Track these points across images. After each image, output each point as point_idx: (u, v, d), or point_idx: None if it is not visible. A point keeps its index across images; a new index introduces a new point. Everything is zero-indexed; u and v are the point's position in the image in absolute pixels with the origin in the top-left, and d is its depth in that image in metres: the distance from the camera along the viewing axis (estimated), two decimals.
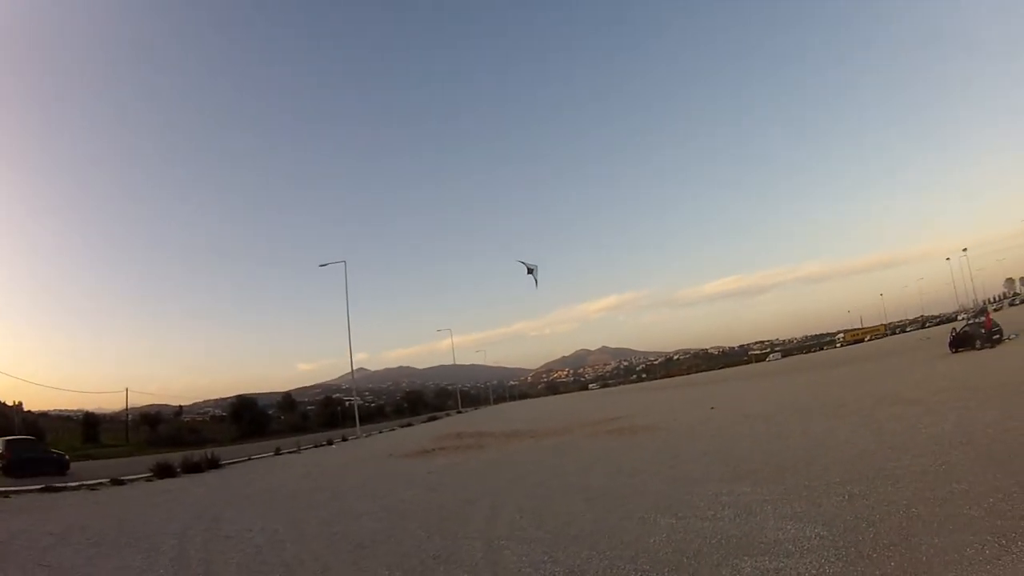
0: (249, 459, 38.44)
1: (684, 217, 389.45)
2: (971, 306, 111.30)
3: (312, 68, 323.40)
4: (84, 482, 27.01)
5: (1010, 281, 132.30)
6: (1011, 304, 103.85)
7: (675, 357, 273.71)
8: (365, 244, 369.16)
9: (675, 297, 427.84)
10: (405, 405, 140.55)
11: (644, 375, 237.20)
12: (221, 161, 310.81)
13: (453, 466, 21.62)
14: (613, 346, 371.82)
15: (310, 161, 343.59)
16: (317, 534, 11.63)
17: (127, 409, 77.40)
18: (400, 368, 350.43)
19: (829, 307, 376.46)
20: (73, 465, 36.39)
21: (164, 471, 29.36)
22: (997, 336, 38.50)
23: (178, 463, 30.70)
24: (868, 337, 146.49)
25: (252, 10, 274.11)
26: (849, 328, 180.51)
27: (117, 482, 27.30)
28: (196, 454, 33.43)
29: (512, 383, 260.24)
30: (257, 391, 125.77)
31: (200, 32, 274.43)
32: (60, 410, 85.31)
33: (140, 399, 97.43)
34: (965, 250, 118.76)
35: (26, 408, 76.41)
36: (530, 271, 41.78)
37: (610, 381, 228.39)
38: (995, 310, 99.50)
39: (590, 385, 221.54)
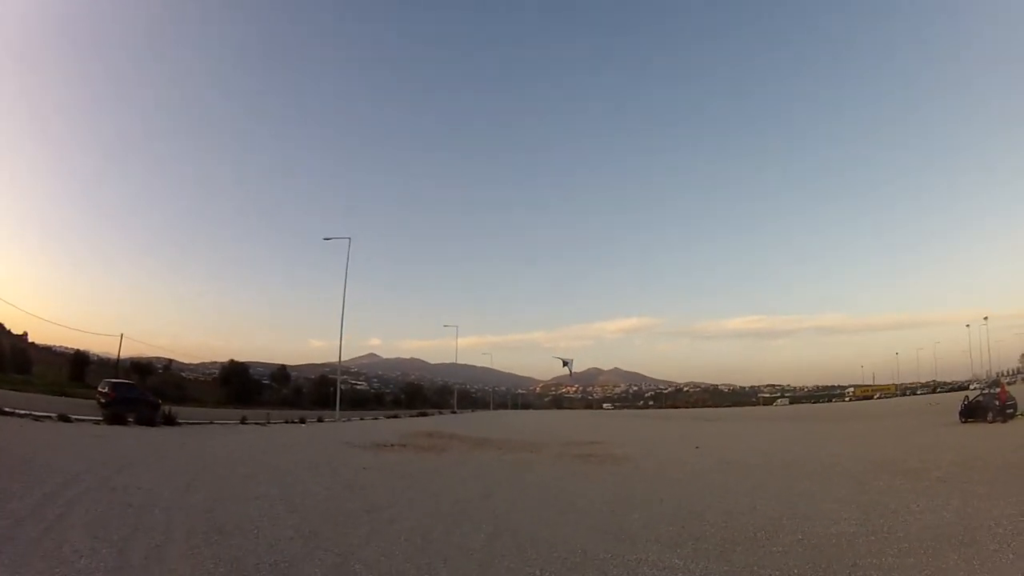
0: (211, 423, 37.71)
1: (712, 251, 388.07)
2: (984, 377, 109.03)
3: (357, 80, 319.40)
4: (32, 412, 28.12)
5: None
6: None
7: (685, 389, 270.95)
8: (393, 230, 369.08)
9: (693, 328, 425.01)
10: (403, 397, 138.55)
11: (651, 402, 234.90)
12: (257, 126, 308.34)
13: (395, 465, 20.67)
14: (625, 369, 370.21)
15: (349, 143, 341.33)
16: (190, 508, 11.11)
17: (119, 355, 76.14)
18: (412, 359, 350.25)
19: (843, 360, 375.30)
20: (52, 400, 39.26)
21: (114, 418, 29.64)
22: (1011, 410, 35.99)
23: (133, 414, 30.98)
24: (878, 395, 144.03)
25: None
26: (860, 383, 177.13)
27: (63, 418, 27.90)
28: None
29: (520, 391, 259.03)
30: (266, 360, 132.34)
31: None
32: (63, 346, 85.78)
33: (141, 349, 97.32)
34: (986, 319, 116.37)
35: (30, 339, 78.42)
36: (565, 364, 42.66)
37: (616, 404, 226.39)
38: (1009, 383, 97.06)
39: (604, 405, 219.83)
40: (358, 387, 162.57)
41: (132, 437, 24.91)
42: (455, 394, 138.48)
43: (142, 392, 41.29)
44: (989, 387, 42.52)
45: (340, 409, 64.76)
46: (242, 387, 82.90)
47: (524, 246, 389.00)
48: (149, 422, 31.26)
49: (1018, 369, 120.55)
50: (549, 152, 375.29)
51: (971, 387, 68.57)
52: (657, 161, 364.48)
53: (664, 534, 10.13)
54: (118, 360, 76.05)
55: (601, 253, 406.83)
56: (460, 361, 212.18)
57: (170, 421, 32.59)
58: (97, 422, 28.81)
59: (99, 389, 40.12)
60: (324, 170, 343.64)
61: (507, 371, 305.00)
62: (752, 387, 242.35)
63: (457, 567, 8.08)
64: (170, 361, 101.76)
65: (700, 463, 22.33)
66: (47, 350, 79.32)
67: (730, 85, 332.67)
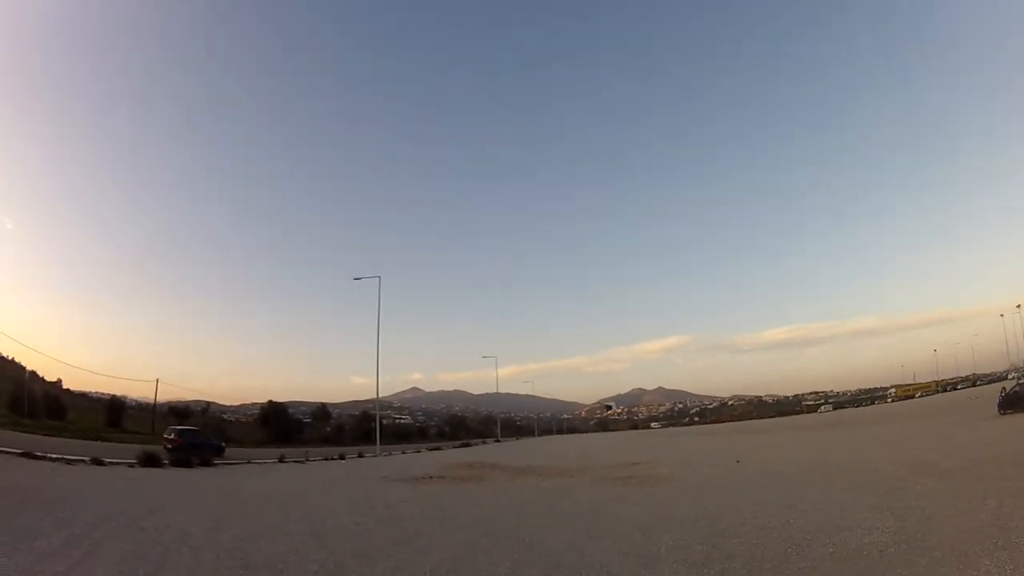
0: (248, 463, 38.45)
1: (744, 263, 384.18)
2: (1021, 365, 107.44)
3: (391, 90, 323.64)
4: (65, 456, 28.58)
5: None
6: None
7: (729, 403, 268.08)
8: (427, 263, 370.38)
9: (732, 342, 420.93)
10: (446, 429, 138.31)
11: (696, 419, 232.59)
12: (293, 170, 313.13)
13: (431, 497, 20.51)
14: (669, 387, 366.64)
15: (384, 180, 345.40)
16: (219, 546, 11.30)
17: (155, 400, 77.05)
18: (455, 392, 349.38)
19: (883, 361, 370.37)
20: (89, 445, 39.37)
21: (149, 460, 30.02)
22: None
23: (167, 456, 31.82)
24: (919, 393, 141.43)
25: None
26: (901, 383, 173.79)
27: (96, 461, 28.39)
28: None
29: (565, 416, 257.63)
30: (308, 399, 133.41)
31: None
32: (99, 392, 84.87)
33: (178, 392, 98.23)
34: (1019, 306, 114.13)
35: (64, 386, 78.05)
36: (608, 408, 42.07)
37: (663, 422, 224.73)
38: None
39: (652, 424, 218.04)
40: (401, 421, 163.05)
41: (167, 479, 25.42)
42: (498, 423, 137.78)
43: (207, 437, 45.56)
44: (1019, 378, 41.54)
45: (382, 444, 64.98)
46: (281, 427, 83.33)
47: (560, 272, 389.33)
48: (208, 463, 34.02)
49: None
50: (574, 175, 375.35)
51: (1009, 376, 67.09)
52: (677, 179, 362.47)
53: (693, 554, 9.97)
54: (155, 405, 77.10)
55: (634, 274, 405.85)
56: (503, 390, 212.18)
57: (206, 463, 33.33)
58: (131, 465, 29.37)
59: (165, 436, 43.23)
60: (359, 205, 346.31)
61: (551, 397, 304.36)
62: (796, 396, 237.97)
63: None
64: (208, 404, 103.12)
65: (741, 477, 22.04)
66: (82, 396, 79.53)
67: (743, 91, 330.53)
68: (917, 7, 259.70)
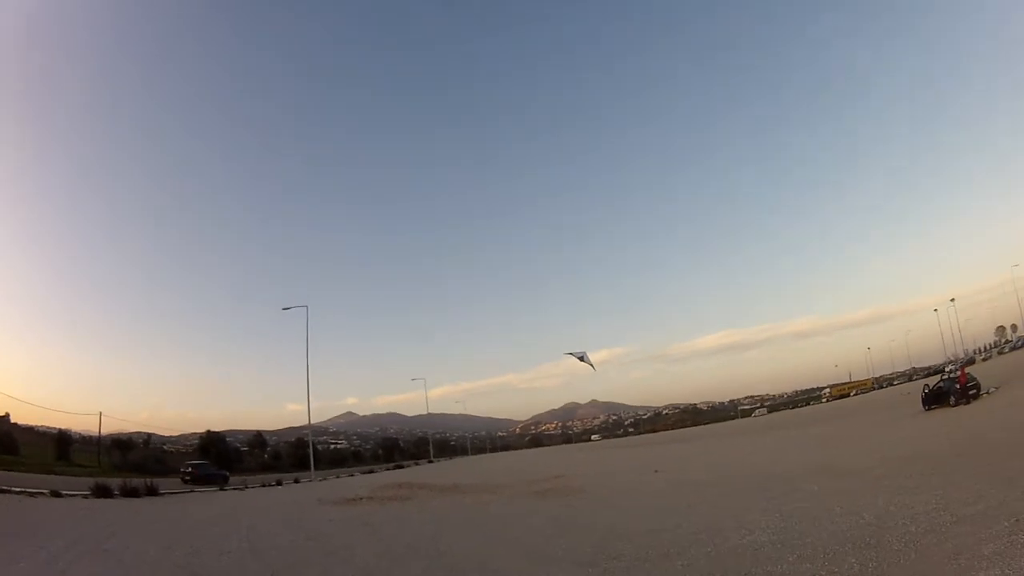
0: (191, 491, 40.36)
1: (674, 272, 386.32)
2: (962, 356, 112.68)
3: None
4: (27, 489, 30.31)
5: (1001, 329, 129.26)
6: (1000, 352, 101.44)
7: (664, 412, 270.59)
8: (357, 288, 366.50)
9: (666, 352, 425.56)
10: (380, 452, 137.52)
11: (631, 429, 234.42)
12: (219, 199, 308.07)
13: (358, 516, 21.30)
14: (603, 400, 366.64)
15: (304, 204, 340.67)
16: (171, 562, 12.83)
17: (100, 433, 77.66)
18: (389, 414, 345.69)
19: (819, 362, 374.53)
20: (44, 478, 41.03)
21: (102, 491, 31.50)
22: (974, 391, 36.23)
23: (117, 486, 32.86)
24: (854, 391, 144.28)
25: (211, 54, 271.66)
26: (837, 383, 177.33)
27: (55, 494, 30.07)
28: (138, 481, 36.16)
29: (499, 434, 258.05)
30: (245, 428, 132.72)
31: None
32: (45, 426, 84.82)
33: (121, 425, 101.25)
34: (953, 300, 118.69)
35: (12, 420, 77.77)
36: (581, 359, 40.93)
37: (593, 437, 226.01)
38: (984, 359, 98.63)
39: (593, 436, 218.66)
40: (336, 446, 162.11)
41: (120, 508, 26.79)
42: (431, 444, 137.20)
43: (216, 469, 55.13)
44: (949, 372, 42.82)
45: (318, 469, 67.22)
46: (220, 456, 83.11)
47: (488, 290, 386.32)
48: (219, 487, 44.27)
49: (995, 342, 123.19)
50: (498, 195, 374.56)
51: (947, 368, 69.22)
52: (601, 193, 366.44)
53: (584, 555, 10.73)
54: (100, 438, 77.50)
55: (564, 289, 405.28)
56: (437, 411, 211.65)
57: (152, 492, 34.39)
58: (86, 496, 30.57)
59: (182, 469, 53.13)
60: (288, 233, 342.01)
61: (485, 416, 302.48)
62: (731, 401, 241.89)
63: None
64: (150, 435, 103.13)
65: (652, 486, 22.54)
66: (30, 430, 79.22)
67: (671, 102, 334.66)
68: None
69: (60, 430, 76.83)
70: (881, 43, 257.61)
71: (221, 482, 48.04)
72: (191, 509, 27.58)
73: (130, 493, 32.77)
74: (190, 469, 51.64)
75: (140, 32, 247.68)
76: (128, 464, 67.42)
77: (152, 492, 34.32)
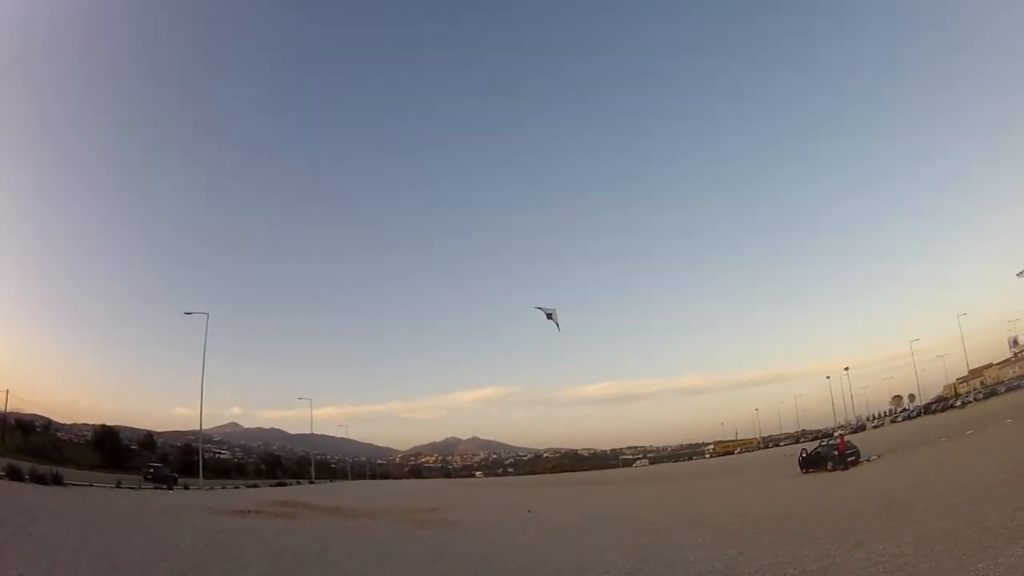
0: (92, 486, 38.91)
1: (568, 318, 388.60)
2: (853, 421, 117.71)
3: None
4: None
5: (897, 398, 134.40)
6: (893, 421, 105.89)
7: (544, 455, 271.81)
8: (253, 300, 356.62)
9: (553, 396, 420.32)
10: (263, 467, 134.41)
11: (511, 469, 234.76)
12: (130, 191, 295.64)
13: (249, 528, 22.03)
14: (484, 438, 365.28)
15: (212, 212, 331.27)
16: (90, 552, 13.62)
17: (5, 409, 77.30)
18: (272, 429, 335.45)
19: (705, 418, 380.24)
20: None
21: (15, 474, 32.30)
22: (852, 458, 37.12)
23: (27, 471, 33.84)
24: (739, 450, 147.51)
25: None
26: (722, 439, 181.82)
27: None
28: (45, 468, 37.50)
29: (380, 461, 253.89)
30: (135, 425, 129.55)
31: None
32: None
33: (17, 404, 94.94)
34: (847, 369, 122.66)
35: None
36: (549, 316, 39.84)
37: (476, 473, 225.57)
38: (875, 426, 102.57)
39: (476, 473, 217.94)
40: (221, 456, 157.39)
41: (35, 493, 27.25)
42: (312, 464, 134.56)
43: (169, 471, 62.02)
44: (830, 439, 44.45)
45: (204, 478, 66.55)
46: (114, 452, 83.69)
47: (378, 318, 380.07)
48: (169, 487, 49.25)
49: (890, 411, 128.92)
50: (393, 225, 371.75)
51: (835, 432, 71.94)
52: (495, 235, 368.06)
53: None
54: (4, 415, 77.00)
55: (453, 324, 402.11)
56: (320, 432, 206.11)
57: (58, 481, 34.78)
58: (0, 476, 31.55)
59: (145, 469, 59.75)
60: (194, 238, 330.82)
61: (366, 442, 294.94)
62: (613, 450, 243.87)
63: None
64: (49, 421, 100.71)
65: (524, 525, 23.01)
66: None
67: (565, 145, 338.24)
68: None
69: None
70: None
71: (171, 483, 53.39)
72: (96, 503, 27.72)
73: (38, 480, 33.48)
74: (152, 470, 58.31)
75: None
76: (29, 447, 68.43)
77: (58, 481, 34.72)
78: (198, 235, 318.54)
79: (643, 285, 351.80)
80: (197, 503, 34.66)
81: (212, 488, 59.14)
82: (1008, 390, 77.58)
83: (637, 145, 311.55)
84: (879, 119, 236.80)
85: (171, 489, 47.22)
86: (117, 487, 41.31)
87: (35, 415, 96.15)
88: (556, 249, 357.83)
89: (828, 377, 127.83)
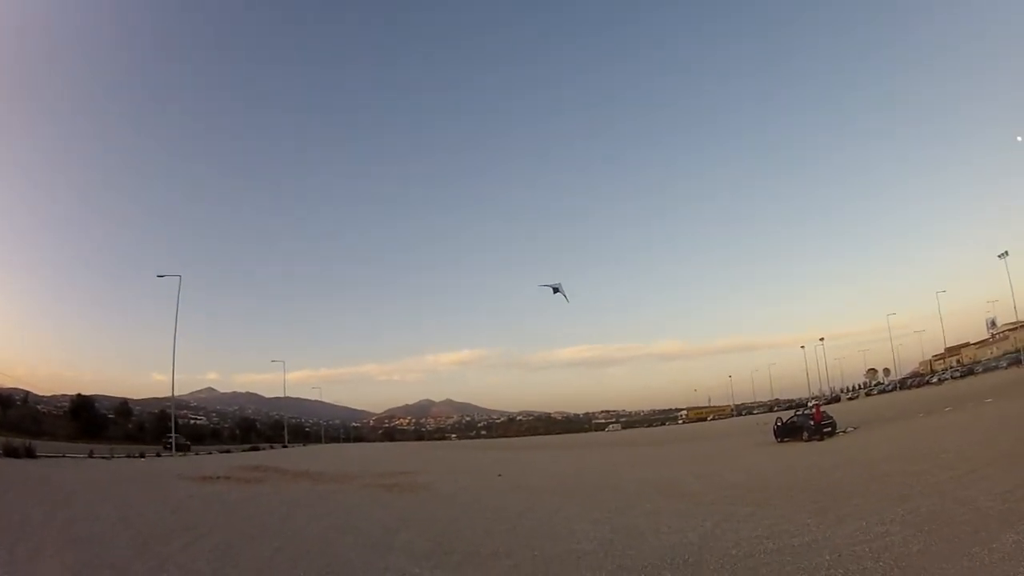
0: (63, 456, 39.90)
1: (544, 281, 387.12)
2: (827, 393, 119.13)
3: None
4: None
5: (872, 371, 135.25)
6: (868, 394, 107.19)
7: (518, 418, 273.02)
8: (224, 263, 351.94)
9: (527, 359, 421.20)
10: (237, 432, 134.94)
11: (483, 432, 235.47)
12: (105, 156, 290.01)
13: (216, 495, 22.45)
14: (458, 400, 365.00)
15: (186, 177, 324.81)
16: (54, 525, 14.14)
17: None
18: (248, 394, 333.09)
19: (679, 384, 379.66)
20: None
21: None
22: (828, 429, 36.76)
23: (0, 446, 35.36)
24: (712, 416, 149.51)
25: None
26: (696, 406, 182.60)
27: None
28: (18, 442, 38.51)
29: (354, 424, 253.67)
30: (113, 394, 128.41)
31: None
32: None
33: (2, 380, 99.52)
34: (822, 339, 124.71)
35: None
36: (556, 290, 39.69)
37: (451, 435, 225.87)
38: (850, 398, 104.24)
39: (451, 436, 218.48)
40: (196, 422, 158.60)
41: (4, 467, 28.89)
42: (286, 428, 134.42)
43: (182, 439, 68.89)
44: (805, 408, 44.53)
45: (182, 442, 70.28)
46: (90, 421, 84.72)
47: (354, 278, 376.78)
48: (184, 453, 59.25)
49: (864, 383, 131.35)
50: (372, 184, 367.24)
51: (810, 403, 72.11)
52: (478, 191, 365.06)
53: (420, 548, 11.56)
54: None
55: (428, 285, 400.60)
56: (295, 395, 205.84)
57: (31, 454, 35.89)
58: None
59: (164, 438, 68.54)
60: (163, 200, 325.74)
61: (341, 404, 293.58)
62: (586, 414, 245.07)
63: (245, 569, 10.30)
64: (27, 394, 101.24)
65: (494, 489, 23.00)
66: None
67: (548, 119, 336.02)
68: None
69: None
70: None
71: (186, 450, 64.50)
72: (67, 475, 28.52)
73: (10, 453, 34.80)
74: (170, 439, 63.66)
75: None
76: (6, 421, 69.42)
77: (30, 454, 35.79)
78: (171, 193, 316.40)
79: (621, 250, 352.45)
80: (168, 469, 35.61)
81: (185, 454, 61.59)
82: (986, 370, 79.09)
83: (612, 102, 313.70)
84: (863, 98, 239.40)
85: (184, 455, 56.06)
86: (89, 457, 41.79)
87: (14, 389, 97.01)
88: (534, 212, 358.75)
89: (803, 347, 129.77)
